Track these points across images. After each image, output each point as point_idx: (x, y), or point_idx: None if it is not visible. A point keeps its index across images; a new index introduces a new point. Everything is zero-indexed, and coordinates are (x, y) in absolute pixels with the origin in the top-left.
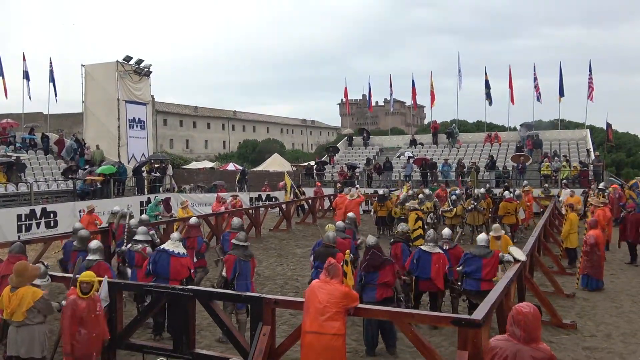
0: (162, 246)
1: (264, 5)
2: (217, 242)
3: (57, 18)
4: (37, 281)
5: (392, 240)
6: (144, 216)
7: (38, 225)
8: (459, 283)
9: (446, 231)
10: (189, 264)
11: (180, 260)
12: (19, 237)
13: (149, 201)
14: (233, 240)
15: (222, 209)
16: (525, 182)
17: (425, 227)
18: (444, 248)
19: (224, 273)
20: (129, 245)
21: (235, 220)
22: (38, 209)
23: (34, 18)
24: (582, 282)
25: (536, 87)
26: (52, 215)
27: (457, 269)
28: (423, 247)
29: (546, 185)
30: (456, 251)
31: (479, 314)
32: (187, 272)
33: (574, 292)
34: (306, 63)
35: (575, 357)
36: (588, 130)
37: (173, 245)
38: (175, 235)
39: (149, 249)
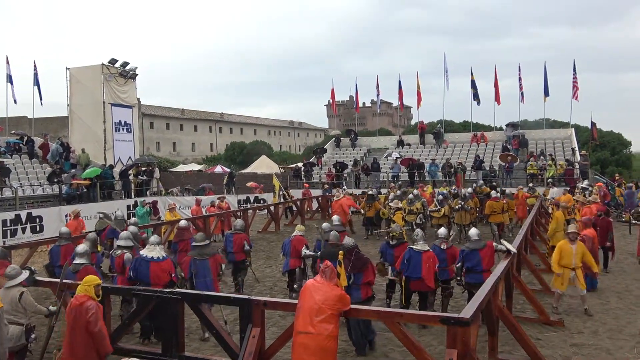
0: (140, 252)
1: (251, 7)
2: None
3: (41, 21)
4: (14, 281)
5: (396, 242)
6: (132, 219)
7: (23, 230)
8: (458, 278)
9: (442, 231)
10: (169, 268)
11: (160, 265)
12: (4, 242)
13: (136, 204)
14: (193, 243)
15: (204, 212)
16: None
17: (414, 227)
18: (442, 247)
19: (181, 273)
20: (112, 251)
21: (239, 222)
22: (23, 214)
23: (18, 21)
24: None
25: (520, 87)
26: (37, 220)
27: (457, 265)
28: (413, 247)
29: (531, 185)
30: (453, 251)
31: (467, 312)
32: (168, 277)
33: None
34: (293, 64)
35: (563, 354)
36: (573, 129)
37: (151, 250)
38: (153, 239)
39: (127, 255)
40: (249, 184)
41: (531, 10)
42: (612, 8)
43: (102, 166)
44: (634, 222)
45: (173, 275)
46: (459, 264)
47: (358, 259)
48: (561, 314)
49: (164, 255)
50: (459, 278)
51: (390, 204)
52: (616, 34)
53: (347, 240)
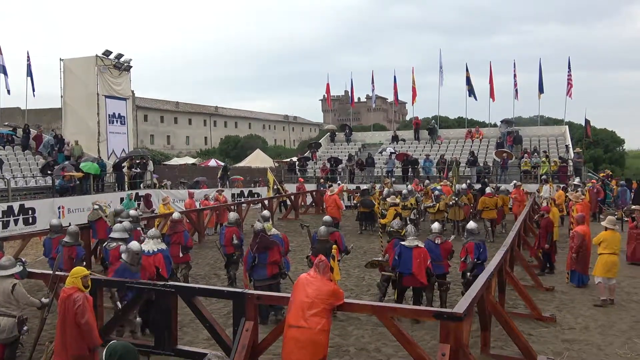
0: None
1: (246, 1)
2: (200, 237)
3: (35, 11)
4: (7, 272)
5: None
6: (132, 212)
7: (16, 222)
8: (469, 274)
9: (436, 225)
10: (156, 262)
11: (148, 258)
12: None
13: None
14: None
15: (197, 205)
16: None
17: (408, 223)
18: (436, 242)
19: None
20: (105, 243)
21: (232, 215)
22: (16, 206)
23: (11, 11)
24: (571, 278)
25: (515, 83)
26: (30, 211)
27: (469, 260)
28: (403, 243)
29: (515, 181)
30: (447, 245)
31: (460, 307)
32: (154, 271)
33: (553, 286)
34: (288, 59)
35: (554, 350)
36: (567, 126)
37: (146, 244)
38: (150, 232)
39: (123, 247)
40: (232, 178)
41: (524, 7)
42: (605, 6)
43: (95, 159)
44: (625, 219)
45: (160, 269)
46: (475, 259)
47: (262, 241)
48: (553, 310)
49: (155, 250)
50: (469, 274)
51: (387, 199)
52: (610, 32)
53: (257, 225)
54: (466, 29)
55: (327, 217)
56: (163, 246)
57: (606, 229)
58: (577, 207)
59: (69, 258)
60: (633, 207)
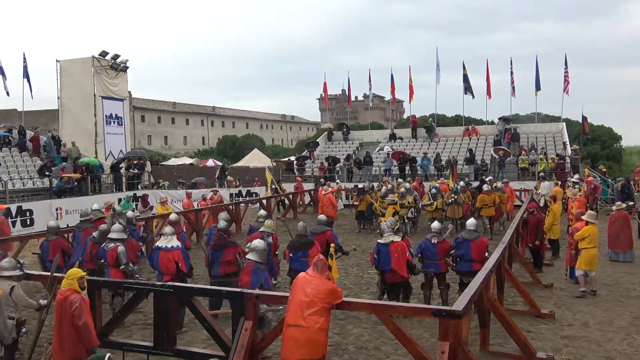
0: (156, 243)
1: (243, 1)
2: (198, 238)
3: (30, 12)
4: (7, 272)
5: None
6: (129, 213)
7: (14, 223)
8: (454, 264)
9: (435, 224)
10: (176, 257)
11: (167, 254)
12: None
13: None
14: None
15: (196, 205)
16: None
17: (406, 221)
18: (433, 242)
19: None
20: (104, 244)
21: (223, 215)
22: (13, 207)
23: (8, 13)
24: (570, 274)
25: (512, 81)
26: (28, 213)
27: (450, 252)
28: (379, 241)
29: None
30: (444, 245)
31: (459, 305)
32: (174, 266)
33: (552, 283)
34: (286, 58)
35: (554, 346)
36: (564, 123)
37: (164, 240)
38: (166, 229)
39: (121, 248)
40: (228, 178)
41: (522, 5)
42: (603, 3)
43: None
44: None
45: (180, 264)
46: (452, 251)
47: (219, 238)
48: (552, 307)
49: (174, 245)
50: (454, 264)
51: (386, 199)
52: (607, 29)
53: (221, 223)
54: (463, 27)
55: (321, 216)
56: (179, 243)
57: (587, 223)
58: (575, 203)
59: (90, 253)
60: (618, 203)
